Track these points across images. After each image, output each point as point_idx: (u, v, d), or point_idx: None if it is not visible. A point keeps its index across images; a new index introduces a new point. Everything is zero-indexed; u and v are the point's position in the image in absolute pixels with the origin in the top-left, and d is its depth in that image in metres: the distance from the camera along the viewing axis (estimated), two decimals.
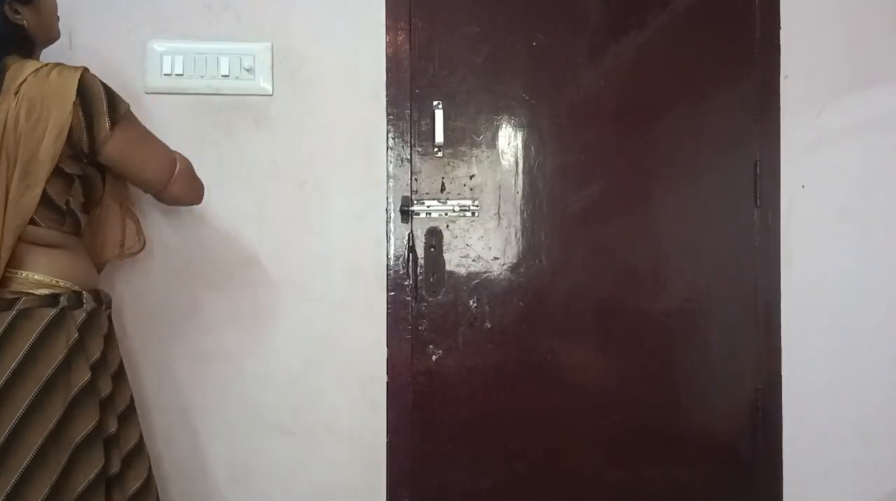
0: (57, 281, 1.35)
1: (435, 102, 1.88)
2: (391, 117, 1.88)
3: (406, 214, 1.87)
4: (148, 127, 1.77)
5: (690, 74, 1.97)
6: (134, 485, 1.45)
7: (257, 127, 1.84)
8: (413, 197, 1.89)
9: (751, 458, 2.01)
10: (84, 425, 1.32)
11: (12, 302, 1.29)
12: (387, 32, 1.88)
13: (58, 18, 1.50)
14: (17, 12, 1.36)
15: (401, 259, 1.89)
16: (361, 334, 1.88)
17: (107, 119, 1.35)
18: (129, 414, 1.47)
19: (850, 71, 2.01)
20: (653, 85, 1.96)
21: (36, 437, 1.28)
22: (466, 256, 1.92)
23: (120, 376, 1.46)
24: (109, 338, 1.45)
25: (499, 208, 1.93)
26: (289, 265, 1.85)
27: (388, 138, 1.88)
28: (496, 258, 1.93)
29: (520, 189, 1.93)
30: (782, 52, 1.99)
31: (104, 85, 1.37)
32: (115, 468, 1.40)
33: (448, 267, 1.91)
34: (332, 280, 1.87)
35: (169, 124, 1.79)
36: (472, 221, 1.92)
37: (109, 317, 1.48)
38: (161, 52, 1.80)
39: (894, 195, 2.02)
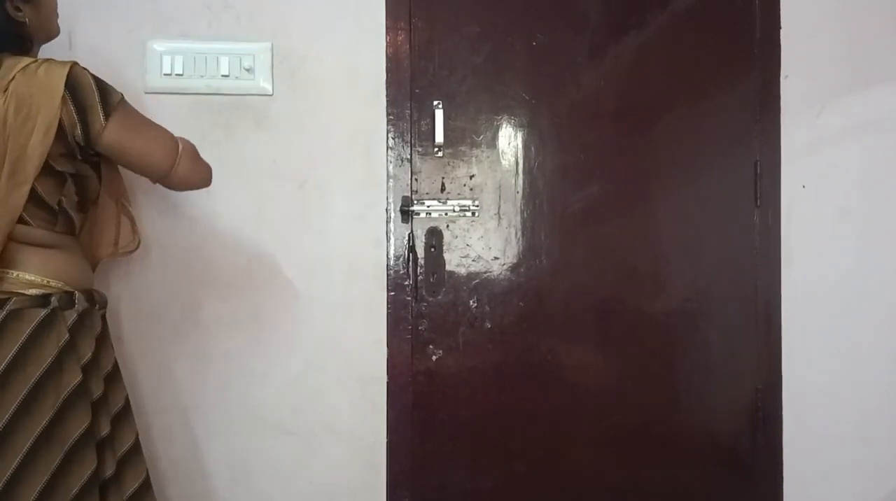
0: (48, 282, 1.30)
1: (435, 102, 1.84)
2: (391, 117, 1.84)
3: (406, 214, 1.83)
4: None
5: (690, 74, 1.92)
6: (131, 487, 1.40)
7: (257, 127, 1.80)
8: (413, 197, 1.85)
9: (751, 458, 1.97)
10: (76, 427, 1.27)
11: (3, 303, 1.25)
12: (387, 32, 1.84)
13: (57, 16, 1.46)
14: (18, 9, 1.32)
15: (401, 259, 1.85)
16: (361, 334, 1.83)
17: (100, 110, 1.29)
18: (124, 415, 1.42)
19: (850, 71, 1.96)
20: (653, 85, 1.91)
21: (26, 439, 1.23)
22: (466, 256, 1.88)
23: (114, 377, 1.41)
24: (103, 339, 1.39)
25: (499, 208, 1.89)
26: (289, 265, 1.81)
27: (388, 138, 1.84)
28: (496, 258, 1.89)
29: (520, 189, 1.89)
30: (782, 52, 1.94)
31: (95, 77, 1.31)
32: (111, 470, 1.35)
33: (448, 267, 1.87)
34: (332, 280, 1.82)
35: (169, 124, 1.70)
36: (472, 221, 1.88)
37: (104, 318, 1.43)
38: (161, 52, 1.76)
39: (894, 195, 1.98)
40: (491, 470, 1.89)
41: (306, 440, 1.83)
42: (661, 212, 1.92)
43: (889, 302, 1.98)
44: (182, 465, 1.78)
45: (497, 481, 1.89)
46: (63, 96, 1.26)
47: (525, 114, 1.89)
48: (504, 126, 1.88)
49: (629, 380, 1.92)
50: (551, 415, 1.90)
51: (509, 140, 1.88)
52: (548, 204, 1.89)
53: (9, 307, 1.25)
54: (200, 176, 1.47)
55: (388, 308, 1.84)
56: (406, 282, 1.85)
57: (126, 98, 1.37)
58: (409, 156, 1.85)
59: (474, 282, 1.88)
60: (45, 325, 1.26)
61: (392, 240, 1.84)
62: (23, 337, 1.25)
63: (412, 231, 1.84)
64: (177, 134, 1.72)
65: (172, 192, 1.75)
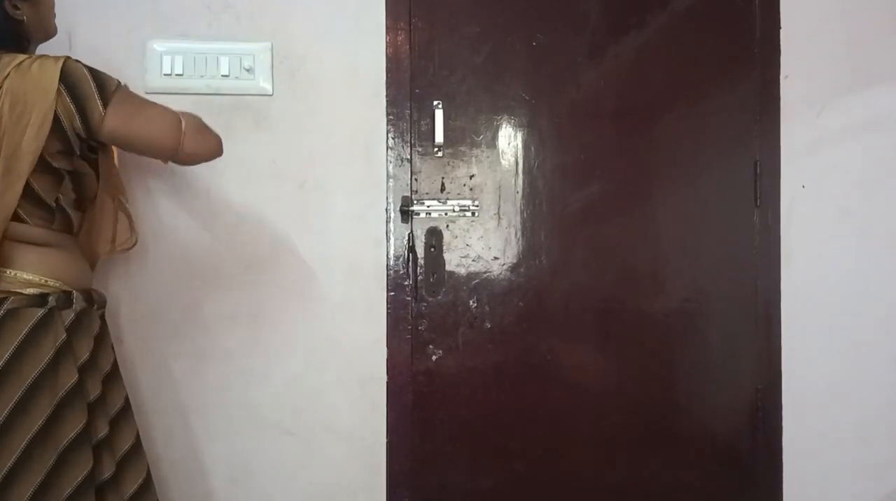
0: (46, 281, 1.28)
1: (435, 102, 1.82)
2: (391, 117, 1.82)
3: (406, 214, 1.81)
4: None
5: (690, 74, 1.91)
6: (131, 488, 1.38)
7: (257, 127, 1.78)
8: (413, 197, 1.84)
9: (751, 458, 1.95)
10: (71, 427, 1.26)
11: (0, 302, 1.23)
12: (387, 32, 1.82)
13: (54, 15, 1.45)
14: (16, 7, 1.31)
15: (401, 259, 1.83)
16: (361, 334, 1.82)
17: (98, 99, 1.28)
18: (123, 416, 1.41)
19: (850, 71, 1.94)
20: (653, 85, 1.90)
21: (21, 438, 1.22)
22: (466, 256, 1.86)
23: (113, 378, 1.40)
24: (101, 339, 1.38)
25: (499, 208, 1.87)
26: (289, 265, 1.79)
27: (388, 138, 1.82)
28: (496, 258, 1.87)
29: (520, 189, 1.87)
30: (782, 52, 1.92)
31: (89, 67, 1.30)
32: (109, 471, 1.33)
33: (448, 267, 1.85)
34: (332, 280, 1.81)
35: None
36: (472, 221, 1.86)
37: (102, 318, 1.42)
38: (161, 52, 1.75)
39: (894, 195, 1.96)
40: (491, 470, 1.87)
41: (306, 440, 1.81)
42: (661, 212, 1.90)
43: (889, 302, 1.96)
44: (182, 465, 1.77)
45: (497, 481, 1.87)
46: (58, 90, 1.25)
47: (525, 114, 1.87)
48: (504, 126, 1.86)
49: (629, 380, 1.90)
50: (551, 415, 1.88)
51: (509, 140, 1.87)
52: (548, 204, 1.87)
53: (6, 306, 1.24)
54: (209, 147, 1.42)
55: (388, 308, 1.82)
56: (406, 282, 1.83)
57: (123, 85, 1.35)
58: (409, 156, 1.83)
59: (474, 282, 1.86)
60: (42, 325, 1.25)
61: (392, 240, 1.83)
62: (20, 337, 1.23)
63: (412, 231, 1.83)
64: None
65: (171, 192, 1.75)
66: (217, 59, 1.76)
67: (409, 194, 1.83)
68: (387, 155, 1.82)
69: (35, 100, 1.24)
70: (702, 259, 1.92)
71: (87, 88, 1.27)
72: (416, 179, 1.84)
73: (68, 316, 1.29)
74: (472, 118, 1.85)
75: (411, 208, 1.82)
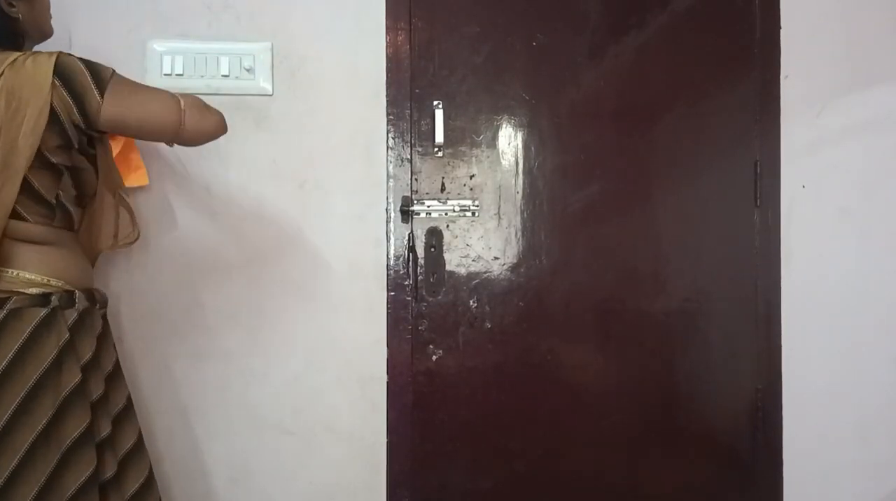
0: (48, 281, 1.29)
1: (435, 102, 1.82)
2: (391, 117, 1.82)
3: (406, 214, 1.81)
4: None
5: (690, 74, 1.91)
6: (133, 487, 1.39)
7: (257, 127, 1.79)
8: (413, 197, 1.83)
9: (751, 458, 1.95)
10: (75, 427, 1.26)
11: (2, 302, 1.23)
12: (387, 32, 1.82)
13: (50, 16, 1.44)
14: (11, 5, 1.31)
15: (401, 259, 1.83)
16: (361, 334, 1.82)
17: (94, 88, 1.28)
18: (126, 415, 1.41)
19: (850, 71, 1.95)
20: (653, 85, 1.90)
21: (24, 438, 1.22)
22: (466, 256, 1.86)
23: (115, 377, 1.40)
24: (103, 339, 1.38)
25: (499, 208, 1.87)
26: (289, 265, 1.80)
27: (388, 138, 1.82)
28: (496, 258, 1.87)
29: (520, 189, 1.87)
30: (782, 52, 1.93)
31: (83, 59, 1.30)
32: (111, 470, 1.34)
33: (448, 267, 1.85)
34: (332, 280, 1.81)
35: None
36: (472, 221, 1.86)
37: (104, 317, 1.42)
38: (161, 52, 1.75)
39: (894, 195, 1.96)
40: (491, 470, 1.87)
41: (306, 440, 1.81)
42: (661, 212, 1.90)
43: (889, 302, 1.96)
44: (182, 465, 1.77)
45: (497, 481, 1.87)
46: (53, 84, 1.25)
47: (525, 114, 1.87)
48: (504, 126, 1.86)
49: (629, 380, 1.90)
50: (551, 415, 1.88)
51: (509, 140, 1.86)
52: (548, 204, 1.87)
53: (9, 306, 1.24)
54: (212, 125, 1.39)
55: (388, 308, 1.82)
56: (406, 282, 1.82)
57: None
58: (409, 156, 1.83)
59: (474, 282, 1.85)
60: (44, 325, 1.25)
61: (392, 240, 1.82)
62: (23, 337, 1.23)
63: (412, 231, 1.82)
64: None
65: (172, 192, 1.75)
66: (217, 59, 1.76)
67: (409, 194, 1.82)
68: (387, 155, 1.82)
69: (30, 96, 1.24)
70: (702, 259, 1.92)
71: (82, 79, 1.27)
72: (416, 179, 1.84)
73: (71, 315, 1.29)
74: (472, 118, 1.85)
75: (411, 208, 1.81)
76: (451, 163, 1.85)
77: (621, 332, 1.90)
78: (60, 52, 1.28)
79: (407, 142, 1.83)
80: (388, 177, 1.83)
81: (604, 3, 1.89)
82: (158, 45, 1.75)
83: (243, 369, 1.78)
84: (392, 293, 1.83)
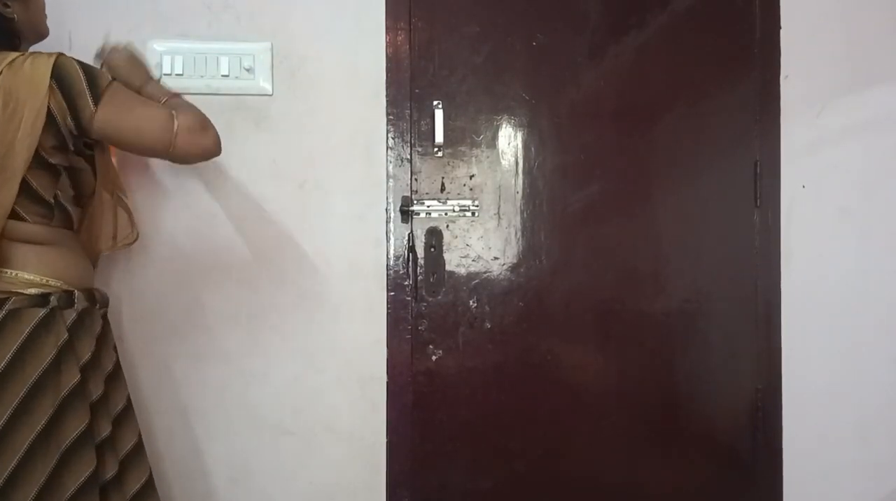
0: (47, 281, 1.28)
1: (435, 102, 1.81)
2: (391, 117, 1.81)
3: (406, 214, 1.80)
4: None
5: (690, 74, 1.90)
6: (134, 487, 1.38)
7: (257, 127, 1.78)
8: (413, 197, 1.82)
9: (751, 458, 1.94)
10: (74, 427, 1.25)
11: (1, 303, 1.23)
12: (387, 32, 1.81)
13: (46, 16, 1.43)
14: (6, 5, 1.31)
15: (401, 259, 1.82)
16: (361, 334, 1.81)
17: (89, 96, 1.26)
18: (126, 415, 1.40)
19: (850, 71, 1.94)
20: (653, 85, 1.89)
21: (24, 439, 1.22)
22: (466, 256, 1.85)
23: (115, 377, 1.39)
24: (103, 339, 1.37)
25: (499, 208, 1.86)
26: (289, 265, 1.79)
27: (388, 138, 1.81)
28: (496, 258, 1.86)
29: (520, 189, 1.86)
30: (782, 52, 1.92)
31: (81, 63, 1.29)
32: (112, 471, 1.33)
33: (448, 267, 1.84)
34: (332, 280, 1.80)
35: None
36: (472, 221, 1.85)
37: (105, 317, 1.41)
38: (161, 52, 1.74)
39: (894, 195, 1.95)
40: (491, 470, 1.86)
41: (306, 440, 1.80)
42: (661, 212, 1.89)
43: (889, 302, 1.95)
44: (182, 465, 1.76)
45: (497, 481, 1.86)
46: (50, 86, 1.24)
47: (525, 114, 1.86)
48: (504, 126, 1.85)
49: (629, 380, 1.89)
50: (551, 415, 1.87)
51: (509, 140, 1.85)
52: (548, 204, 1.86)
53: (8, 307, 1.23)
54: (204, 147, 1.37)
55: (388, 308, 1.81)
56: (406, 282, 1.82)
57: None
58: (409, 156, 1.82)
59: (474, 282, 1.85)
60: (43, 325, 1.24)
61: (392, 240, 1.82)
62: (21, 337, 1.23)
63: (412, 231, 1.81)
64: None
65: (172, 192, 1.75)
66: (217, 58, 1.75)
67: (409, 194, 1.81)
68: (387, 155, 1.81)
69: (27, 97, 1.23)
70: (702, 259, 1.91)
71: (78, 85, 1.26)
72: (416, 179, 1.83)
73: (70, 315, 1.28)
74: (472, 118, 1.84)
75: (411, 208, 1.81)
76: (450, 163, 1.85)
77: (621, 332, 1.89)
78: (60, 54, 1.28)
79: (407, 142, 1.82)
80: (388, 177, 1.82)
81: (604, 3, 1.88)
82: (158, 45, 1.74)
83: (243, 369, 1.78)
84: (392, 293, 1.82)
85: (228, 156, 1.76)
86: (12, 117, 1.22)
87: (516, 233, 1.86)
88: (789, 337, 1.92)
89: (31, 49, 1.39)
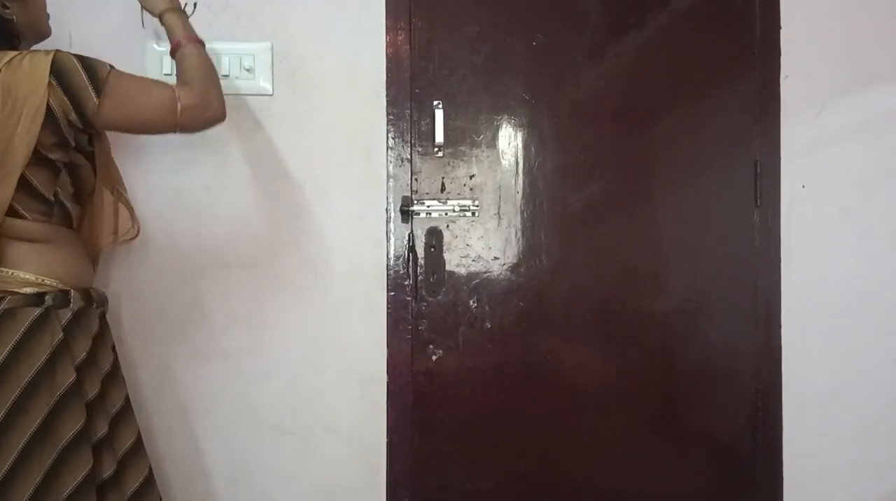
0: (43, 280, 1.26)
1: (435, 102, 1.79)
2: (391, 117, 1.79)
3: (406, 214, 1.78)
4: None
5: (690, 74, 1.87)
6: (132, 486, 1.36)
7: (257, 127, 1.76)
8: (413, 197, 1.80)
9: (751, 458, 1.91)
10: (70, 427, 1.24)
11: None
12: (387, 32, 1.79)
13: (48, 16, 1.42)
14: (5, 7, 1.29)
15: (401, 259, 1.80)
16: (361, 334, 1.79)
17: (90, 89, 1.25)
18: (124, 415, 1.38)
19: (850, 71, 1.91)
20: (653, 85, 1.87)
21: (19, 439, 1.20)
22: (466, 256, 1.83)
23: (112, 377, 1.37)
24: (100, 338, 1.35)
25: (499, 208, 1.84)
26: (289, 265, 1.77)
27: (388, 138, 1.79)
28: (496, 258, 1.84)
29: (520, 189, 1.84)
30: (782, 52, 1.89)
31: (79, 57, 1.27)
32: (109, 470, 1.31)
33: (448, 267, 1.82)
34: (332, 280, 1.78)
35: None
36: (472, 221, 1.83)
37: (102, 317, 1.39)
38: (161, 52, 1.72)
39: (894, 195, 1.92)
40: (491, 470, 1.84)
41: (306, 440, 1.78)
42: (661, 212, 1.87)
43: (889, 302, 1.93)
44: (182, 465, 1.74)
45: (497, 481, 1.84)
46: (49, 83, 1.23)
47: (525, 114, 1.84)
48: (504, 126, 1.83)
49: (629, 380, 1.87)
50: (551, 415, 1.85)
51: (509, 140, 1.84)
52: (548, 204, 1.84)
53: (2, 306, 1.22)
54: (208, 121, 1.41)
55: (388, 308, 1.79)
56: (406, 282, 1.80)
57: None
58: (409, 156, 1.80)
59: (474, 282, 1.83)
60: (38, 324, 1.23)
61: (392, 240, 1.80)
62: (16, 337, 1.21)
63: (412, 231, 1.80)
64: (177, 134, 1.68)
65: (172, 191, 1.73)
66: (217, 58, 1.72)
67: (409, 194, 1.80)
68: (387, 155, 1.79)
69: (26, 93, 1.22)
70: (702, 259, 1.89)
71: (78, 80, 1.25)
72: (416, 179, 1.81)
73: (65, 315, 1.27)
74: (472, 118, 1.82)
75: (411, 208, 1.79)
76: (451, 163, 1.83)
77: (621, 332, 1.87)
78: (57, 51, 1.26)
79: (407, 142, 1.80)
80: (388, 177, 1.80)
81: (604, 3, 1.86)
82: (158, 45, 1.72)
83: (243, 369, 1.76)
84: (392, 293, 1.80)
85: (228, 156, 1.75)
86: (11, 114, 1.21)
87: (516, 233, 1.84)
88: (789, 337, 1.90)
89: (33, 49, 1.38)
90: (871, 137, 1.92)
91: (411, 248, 1.79)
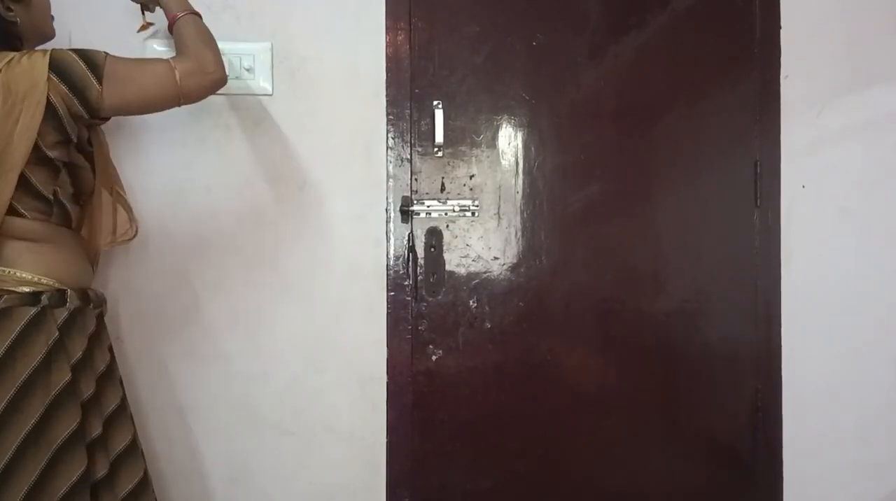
0: (39, 279, 1.24)
1: (435, 102, 1.77)
2: (391, 117, 1.77)
3: (406, 214, 1.76)
4: (148, 128, 1.69)
5: (690, 74, 1.85)
6: (125, 487, 1.34)
7: (257, 127, 1.74)
8: (413, 197, 1.78)
9: (751, 458, 1.89)
10: (65, 426, 1.22)
11: None
12: (387, 32, 1.77)
13: (52, 17, 1.41)
14: (9, 9, 1.29)
15: (401, 259, 1.78)
16: (361, 334, 1.77)
17: (91, 78, 1.25)
18: (119, 415, 1.36)
19: (850, 71, 1.89)
20: (653, 85, 1.84)
21: (14, 438, 1.18)
22: (466, 256, 1.81)
23: (108, 377, 1.35)
24: (96, 338, 1.33)
25: (499, 208, 1.82)
26: (289, 265, 1.74)
27: (388, 138, 1.77)
28: (496, 258, 1.82)
29: (520, 189, 1.82)
30: (782, 52, 1.87)
31: (74, 49, 1.27)
32: (103, 470, 1.29)
33: (448, 267, 1.80)
34: (332, 280, 1.76)
35: (169, 126, 1.69)
36: (472, 221, 1.81)
37: (100, 317, 1.37)
38: (161, 53, 1.70)
39: (894, 195, 1.91)
40: (491, 470, 1.82)
41: (306, 440, 1.76)
42: (661, 212, 1.85)
43: (889, 302, 1.91)
44: (181, 465, 1.72)
45: (497, 481, 1.82)
46: (50, 79, 1.22)
47: (525, 114, 1.82)
48: (504, 126, 1.81)
49: (629, 380, 1.85)
50: (551, 415, 1.83)
51: (509, 140, 1.82)
52: (548, 204, 1.82)
53: None
54: (209, 87, 1.39)
55: (388, 308, 1.77)
56: (406, 282, 1.78)
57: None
58: (409, 156, 1.78)
59: (474, 282, 1.81)
60: (33, 324, 1.21)
61: (392, 240, 1.78)
62: (12, 336, 1.19)
63: (412, 231, 1.78)
64: (177, 134, 1.70)
65: (171, 191, 1.71)
66: None
67: (409, 194, 1.78)
68: (387, 155, 1.77)
69: (26, 90, 1.21)
70: (702, 259, 1.87)
71: (78, 70, 1.25)
72: (416, 179, 1.79)
73: (61, 314, 1.25)
74: (472, 118, 1.80)
75: (411, 208, 1.77)
76: (451, 163, 1.81)
77: (621, 332, 1.85)
78: (54, 49, 1.26)
79: (407, 142, 1.78)
80: (388, 177, 1.78)
81: (604, 3, 1.84)
82: (158, 45, 1.70)
83: (243, 369, 1.73)
84: (392, 293, 1.78)
85: (228, 156, 1.73)
86: (11, 111, 1.20)
87: (516, 233, 1.82)
88: (789, 337, 1.88)
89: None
90: (871, 137, 1.90)
91: (411, 248, 1.77)
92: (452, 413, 1.80)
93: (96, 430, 1.29)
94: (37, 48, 1.29)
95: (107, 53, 1.29)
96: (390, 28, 1.77)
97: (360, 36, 1.76)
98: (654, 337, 1.86)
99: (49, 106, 1.22)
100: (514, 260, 1.82)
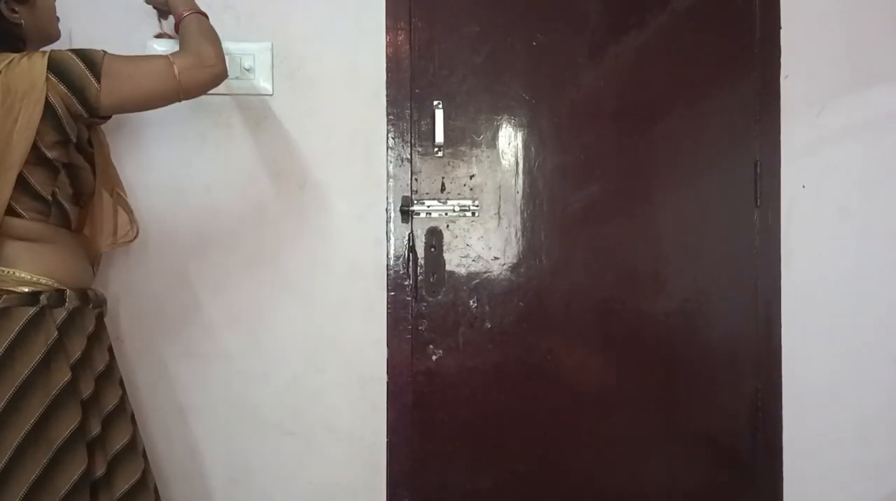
0: (38, 279, 1.24)
1: (435, 102, 1.76)
2: (391, 117, 1.76)
3: (406, 214, 1.75)
4: (148, 127, 1.68)
5: (690, 74, 1.84)
6: (123, 487, 1.32)
7: (257, 127, 1.73)
8: (413, 197, 1.77)
9: (751, 458, 1.88)
10: (66, 426, 1.21)
11: None
12: (387, 32, 1.76)
13: (57, 18, 1.41)
14: (14, 11, 1.28)
15: (401, 259, 1.77)
16: (361, 334, 1.76)
17: (90, 76, 1.24)
18: (117, 415, 1.34)
19: (850, 71, 1.88)
20: (653, 85, 1.83)
21: (13, 438, 1.18)
22: (466, 256, 1.80)
23: (107, 377, 1.34)
24: (95, 338, 1.32)
25: (499, 208, 1.81)
26: (289, 265, 1.74)
27: (388, 138, 1.76)
28: (496, 258, 1.81)
29: (520, 189, 1.81)
30: (782, 52, 1.86)
31: (72, 49, 1.27)
32: (101, 470, 1.28)
33: (448, 267, 1.79)
34: (333, 280, 1.75)
35: (169, 124, 1.69)
36: (472, 221, 1.80)
37: (100, 317, 1.36)
38: (161, 53, 1.69)
39: (894, 195, 1.89)
40: (491, 470, 1.81)
41: (306, 440, 1.75)
42: (661, 212, 1.84)
43: (889, 302, 1.89)
44: (181, 465, 1.71)
45: (497, 481, 1.81)
46: (48, 79, 1.22)
47: (525, 114, 1.81)
48: (504, 126, 1.80)
49: (629, 380, 1.84)
50: (551, 415, 1.82)
51: (509, 140, 1.81)
52: (548, 204, 1.81)
53: None
54: (208, 80, 1.37)
55: (388, 308, 1.76)
56: (406, 282, 1.77)
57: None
58: (409, 156, 1.77)
59: (474, 282, 1.80)
60: (33, 324, 1.20)
61: (392, 240, 1.77)
62: (11, 336, 1.19)
63: (412, 231, 1.76)
64: (178, 134, 1.69)
65: (171, 191, 1.70)
66: None
67: (409, 194, 1.77)
68: (387, 155, 1.76)
69: (25, 90, 1.20)
70: (702, 259, 1.85)
71: (77, 69, 1.24)
72: (416, 179, 1.78)
73: (60, 314, 1.24)
74: (472, 118, 1.79)
75: (411, 208, 1.76)
76: (451, 163, 1.80)
77: (621, 332, 1.84)
78: (52, 49, 1.26)
79: (407, 142, 1.77)
80: (388, 177, 1.77)
81: (604, 3, 1.83)
82: (158, 45, 1.69)
83: (243, 369, 1.72)
84: (392, 293, 1.77)
85: (228, 156, 1.72)
86: (10, 111, 1.20)
87: (516, 233, 1.81)
88: (789, 337, 1.87)
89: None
90: (871, 137, 1.89)
91: (411, 248, 1.76)
92: (452, 413, 1.79)
93: (95, 429, 1.28)
94: (40, 49, 1.29)
95: (105, 52, 1.29)
96: (390, 28, 1.76)
97: (361, 36, 1.75)
98: (654, 337, 1.85)
99: (48, 105, 1.22)
100: (514, 260, 1.81)
